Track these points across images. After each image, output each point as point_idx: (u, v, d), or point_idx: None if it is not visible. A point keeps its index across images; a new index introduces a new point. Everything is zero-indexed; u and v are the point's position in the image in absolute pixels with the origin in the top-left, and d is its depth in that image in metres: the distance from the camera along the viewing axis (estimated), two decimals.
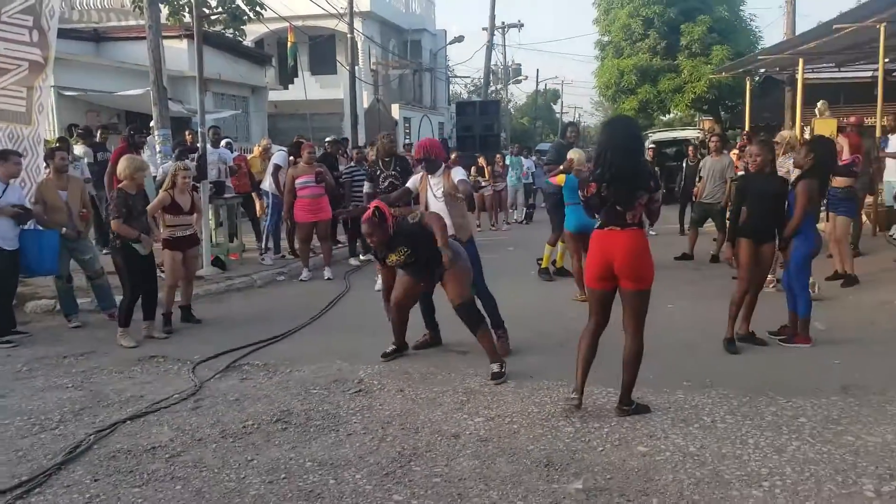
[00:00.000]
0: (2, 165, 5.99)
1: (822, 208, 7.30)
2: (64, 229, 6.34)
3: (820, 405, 4.12)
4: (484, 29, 29.53)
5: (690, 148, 12.55)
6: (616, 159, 3.85)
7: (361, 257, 9.79)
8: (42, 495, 3.30)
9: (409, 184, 5.65)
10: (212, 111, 14.69)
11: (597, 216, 4.02)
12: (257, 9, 14.77)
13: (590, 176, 4.02)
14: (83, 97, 13.75)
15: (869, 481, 3.21)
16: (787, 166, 6.68)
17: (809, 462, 3.41)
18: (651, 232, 4.72)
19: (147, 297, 5.99)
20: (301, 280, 8.58)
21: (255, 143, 13.95)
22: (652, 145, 14.88)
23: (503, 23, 33.74)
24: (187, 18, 13.61)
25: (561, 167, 7.22)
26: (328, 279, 8.52)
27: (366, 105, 22.62)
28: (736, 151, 9.96)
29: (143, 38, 10.33)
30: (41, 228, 6.30)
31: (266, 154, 10.83)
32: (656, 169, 10.77)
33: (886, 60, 9.65)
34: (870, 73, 13.45)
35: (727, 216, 7.14)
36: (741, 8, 21.75)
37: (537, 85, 46.95)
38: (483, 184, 13.90)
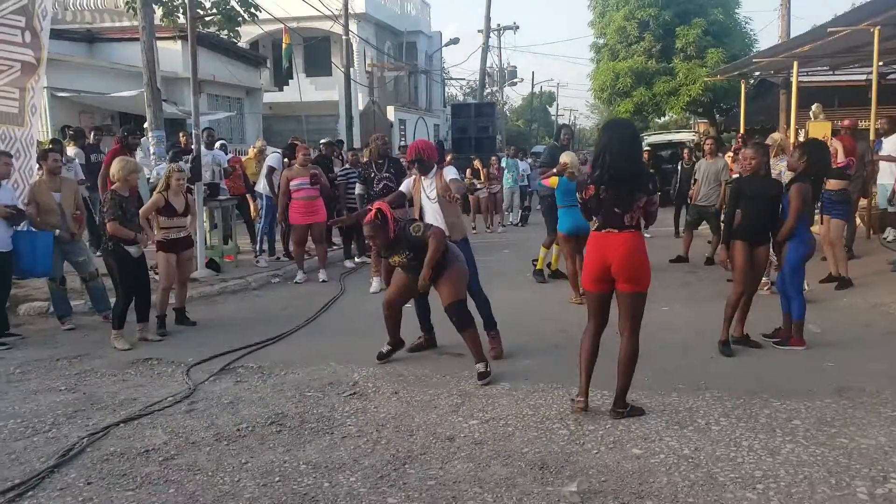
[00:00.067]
0: None
1: (817, 211, 7.32)
2: (58, 231, 6.32)
3: (814, 407, 4.13)
4: (479, 31, 29.53)
5: (685, 150, 12.58)
6: (615, 161, 3.85)
7: (356, 259, 9.78)
8: (35, 498, 3.28)
9: (402, 188, 5.64)
10: (206, 113, 14.66)
11: (594, 218, 4.02)
12: (252, 10, 14.74)
13: (588, 178, 4.02)
14: (76, 98, 13.72)
15: (862, 483, 3.22)
16: (778, 168, 6.71)
17: (803, 464, 3.42)
18: (646, 234, 4.70)
19: (140, 299, 5.97)
20: (296, 282, 8.57)
21: (249, 145, 13.95)
22: (647, 148, 14.90)
23: (499, 25, 33.79)
24: (181, 19, 13.58)
25: (554, 170, 7.23)
26: (323, 281, 8.50)
27: (361, 107, 22.62)
28: (731, 154, 9.98)
29: (137, 39, 10.33)
30: (34, 230, 6.28)
31: (261, 156, 10.81)
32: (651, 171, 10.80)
33: (880, 64, 9.69)
34: (864, 77, 13.49)
35: (722, 219, 7.16)
36: (736, 11, 21.78)
37: (533, 87, 47.09)
38: (478, 186, 13.90)
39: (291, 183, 8.44)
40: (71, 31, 17.31)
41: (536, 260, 8.50)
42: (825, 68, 13.91)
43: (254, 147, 11.60)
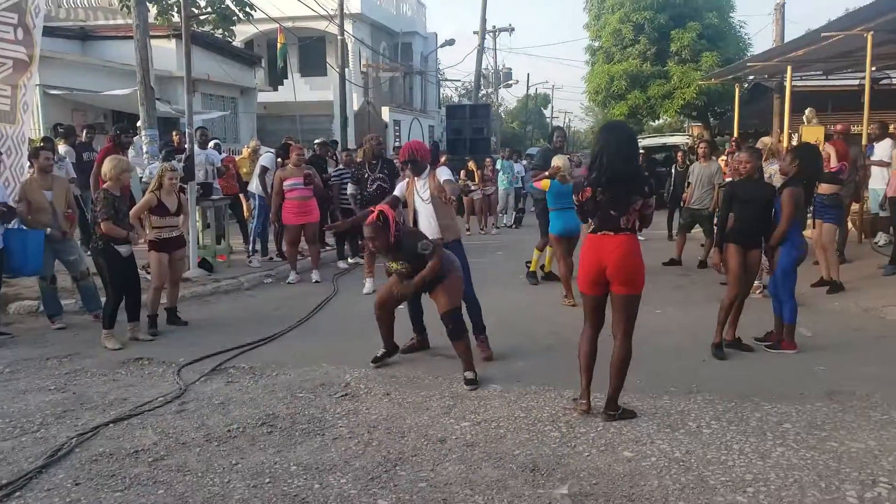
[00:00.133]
0: None
1: (809, 215, 7.35)
2: (49, 230, 6.28)
3: (804, 411, 4.14)
4: (475, 32, 29.54)
5: (679, 154, 12.61)
6: (612, 164, 3.86)
7: (350, 260, 9.76)
8: (22, 499, 3.26)
9: (396, 191, 5.60)
10: (200, 112, 14.62)
11: (590, 220, 4.02)
12: (247, 9, 14.72)
13: (585, 180, 4.02)
14: (69, 96, 13.65)
15: (852, 487, 3.23)
16: (769, 171, 6.73)
17: (793, 468, 3.43)
18: (640, 237, 4.69)
19: (130, 298, 5.93)
20: (289, 283, 8.54)
21: (243, 145, 13.91)
22: (641, 151, 14.93)
23: (494, 27, 33.86)
24: (176, 18, 13.54)
25: (546, 173, 7.23)
26: (316, 282, 8.48)
27: (356, 107, 22.60)
28: (724, 157, 10.02)
29: (131, 37, 10.29)
30: (25, 228, 6.24)
31: (255, 155, 10.80)
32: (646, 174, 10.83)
33: (873, 69, 9.73)
34: (857, 82, 13.56)
35: (715, 222, 7.18)
36: (731, 15, 21.88)
37: (528, 89, 47.11)
38: (472, 187, 13.91)
39: (285, 183, 8.42)
40: (64, 28, 17.22)
41: (530, 262, 8.51)
42: (819, 73, 13.98)
43: (248, 147, 11.58)
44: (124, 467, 3.55)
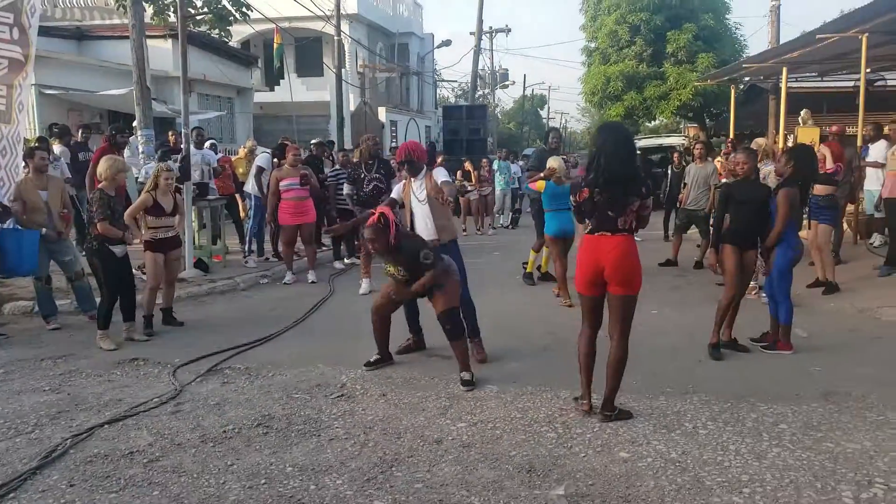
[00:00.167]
0: None
1: (804, 216, 7.36)
2: (44, 230, 6.26)
3: (800, 412, 4.15)
4: (471, 33, 29.56)
5: (675, 154, 12.62)
6: (610, 165, 3.86)
7: (346, 261, 9.76)
8: (16, 500, 3.24)
9: (393, 194, 5.58)
10: (196, 112, 14.60)
11: (587, 221, 4.02)
12: (243, 10, 14.68)
13: (582, 181, 4.02)
14: (65, 96, 13.62)
15: (847, 488, 3.23)
16: (763, 172, 6.74)
17: (789, 468, 3.43)
18: (636, 238, 4.69)
19: (125, 298, 5.92)
20: (285, 283, 8.53)
21: (240, 145, 13.91)
22: (637, 152, 14.94)
23: (491, 27, 33.87)
24: (172, 18, 13.50)
25: (541, 174, 7.23)
26: (312, 282, 8.47)
27: (352, 108, 22.57)
28: (720, 159, 10.03)
29: (127, 37, 10.27)
30: (21, 228, 6.21)
31: (251, 156, 10.79)
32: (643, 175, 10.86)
33: (868, 70, 9.76)
34: (852, 83, 13.61)
35: (711, 222, 7.19)
36: (726, 16, 21.93)
37: (524, 90, 47.13)
38: (469, 188, 13.91)
39: (281, 183, 8.40)
40: (60, 28, 17.18)
41: (527, 263, 8.51)
42: (814, 74, 14.04)
43: (244, 147, 11.57)
44: (119, 468, 3.54)
